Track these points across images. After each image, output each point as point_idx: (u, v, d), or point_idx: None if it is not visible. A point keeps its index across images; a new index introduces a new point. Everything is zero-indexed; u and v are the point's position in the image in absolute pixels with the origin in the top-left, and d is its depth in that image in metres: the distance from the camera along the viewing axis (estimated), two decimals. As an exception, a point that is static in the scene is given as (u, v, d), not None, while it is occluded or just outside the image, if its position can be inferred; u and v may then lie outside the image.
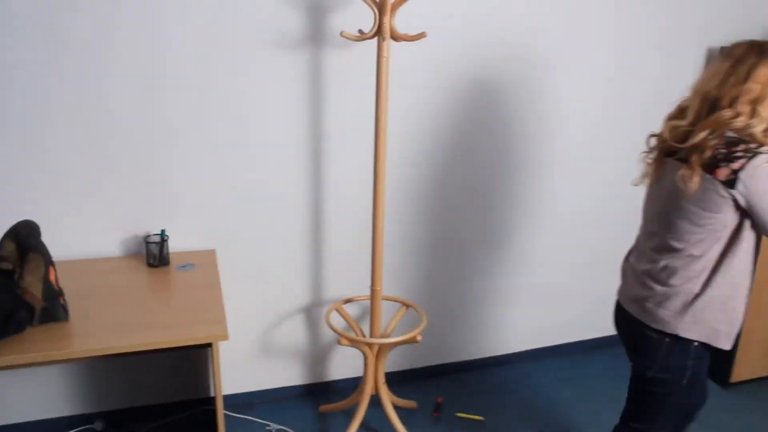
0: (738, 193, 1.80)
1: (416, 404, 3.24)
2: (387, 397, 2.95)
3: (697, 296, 1.96)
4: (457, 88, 2.99)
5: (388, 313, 3.16)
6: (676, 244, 1.96)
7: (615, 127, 3.41)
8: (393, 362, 3.35)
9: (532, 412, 3.24)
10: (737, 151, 1.80)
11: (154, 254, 2.62)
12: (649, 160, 2.10)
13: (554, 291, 3.63)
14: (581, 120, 3.32)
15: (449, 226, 3.24)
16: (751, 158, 1.78)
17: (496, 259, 3.41)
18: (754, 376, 3.54)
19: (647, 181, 2.12)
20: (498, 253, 3.40)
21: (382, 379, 2.95)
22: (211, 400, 3.12)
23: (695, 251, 1.93)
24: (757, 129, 1.81)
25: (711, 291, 1.95)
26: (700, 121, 1.88)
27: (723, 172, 1.81)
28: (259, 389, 3.23)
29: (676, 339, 2.00)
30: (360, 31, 2.49)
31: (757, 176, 1.78)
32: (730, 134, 1.83)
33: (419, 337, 2.77)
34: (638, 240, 2.22)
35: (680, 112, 1.97)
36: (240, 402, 3.18)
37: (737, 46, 1.91)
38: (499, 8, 2.93)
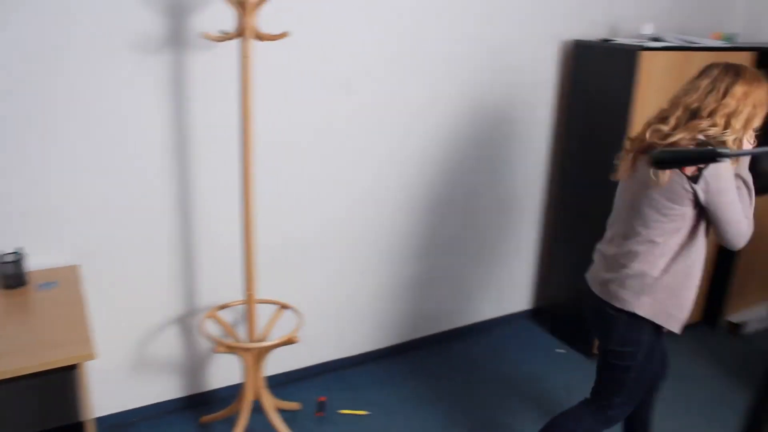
0: (699, 188, 2.05)
1: (299, 405, 3.23)
2: (269, 402, 2.92)
3: (655, 280, 2.21)
4: (326, 85, 3.00)
5: (267, 317, 3.13)
6: (641, 230, 2.21)
7: (474, 118, 3.53)
8: (275, 365, 3.32)
9: (418, 402, 3.32)
10: None
11: (10, 274, 2.45)
12: (625, 158, 2.33)
13: (431, 281, 3.72)
14: (442, 112, 3.41)
15: (322, 224, 3.25)
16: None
17: (370, 254, 3.46)
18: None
19: (623, 175, 2.37)
20: (373, 246, 3.45)
21: (262, 383, 2.91)
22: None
23: (658, 238, 2.19)
24: (729, 138, 2.09)
25: (668, 277, 2.21)
26: (679, 127, 2.14)
27: (690, 169, 2.05)
28: (137, 406, 3.10)
29: (634, 317, 2.24)
30: (222, 32, 2.43)
31: (718, 176, 2.04)
32: (701, 139, 2.09)
33: (297, 338, 2.76)
34: (608, 228, 2.46)
35: (662, 119, 2.22)
36: (117, 422, 3.04)
37: (714, 66, 2.22)
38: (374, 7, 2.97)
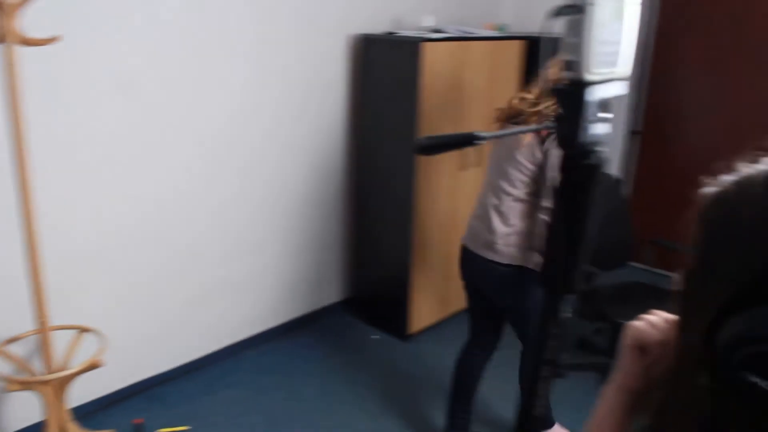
0: (544, 148, 2.36)
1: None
2: (77, 434, 2.71)
3: (531, 232, 2.50)
4: (108, 90, 2.82)
5: (66, 343, 2.88)
6: (510, 190, 2.46)
7: (270, 116, 3.51)
8: (80, 394, 3.07)
9: (242, 408, 3.24)
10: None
11: None
12: (493, 126, 2.52)
13: (242, 283, 3.65)
14: (236, 111, 3.35)
15: (117, 233, 3.06)
16: None
17: (175, 260, 3.31)
18: (426, 325, 3.97)
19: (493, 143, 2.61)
20: (178, 252, 3.31)
21: (67, 416, 2.69)
22: None
23: (524, 196, 2.47)
24: None
25: (537, 228, 2.49)
26: (542, 96, 2.39)
27: (545, 132, 2.34)
28: None
29: (520, 268, 2.52)
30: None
31: None
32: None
33: (101, 361, 2.58)
34: (481, 197, 2.66)
35: (528, 90, 2.48)
36: None
37: None
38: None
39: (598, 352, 3.75)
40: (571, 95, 0.72)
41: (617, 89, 0.78)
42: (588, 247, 0.82)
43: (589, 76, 0.73)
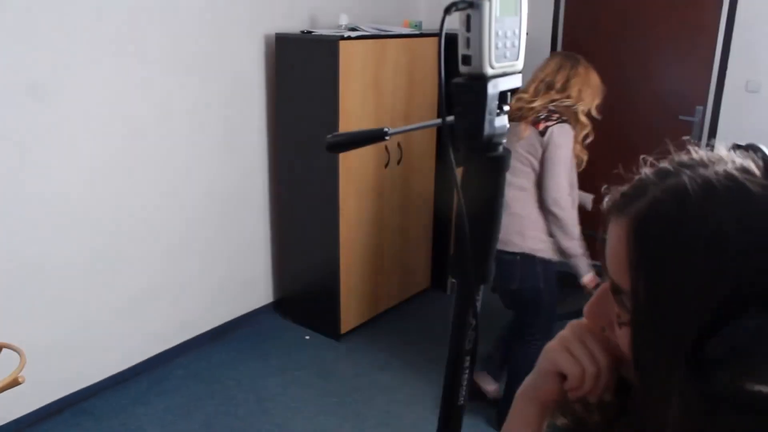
0: (545, 139, 2.60)
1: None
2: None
3: (531, 220, 2.69)
4: (10, 90, 2.71)
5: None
6: (512, 179, 2.60)
7: (188, 120, 3.45)
8: (4, 414, 2.94)
9: (176, 417, 3.17)
10: (554, 116, 2.65)
11: None
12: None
13: (165, 291, 3.57)
14: (140, 111, 3.27)
15: (29, 245, 2.94)
16: (561, 122, 2.64)
17: (92, 271, 3.20)
18: (357, 324, 3.98)
19: None
20: (94, 263, 3.20)
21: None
22: None
23: (526, 184, 2.68)
24: (580, 108, 2.67)
25: (537, 215, 2.70)
26: (538, 96, 2.67)
27: (542, 125, 2.62)
28: None
29: (525, 255, 2.68)
30: None
31: (560, 132, 2.61)
32: (552, 108, 2.66)
33: (22, 378, 2.47)
34: None
35: (523, 90, 2.68)
36: None
37: (556, 53, 3.14)
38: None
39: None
40: (471, 89, 0.74)
41: (515, 82, 0.80)
42: (497, 237, 0.84)
43: (489, 70, 0.75)
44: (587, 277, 2.72)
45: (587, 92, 2.69)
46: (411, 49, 3.84)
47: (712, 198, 0.60)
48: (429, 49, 3.96)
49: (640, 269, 0.63)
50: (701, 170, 0.63)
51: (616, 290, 0.69)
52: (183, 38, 3.31)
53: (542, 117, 2.66)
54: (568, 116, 2.67)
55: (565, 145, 2.61)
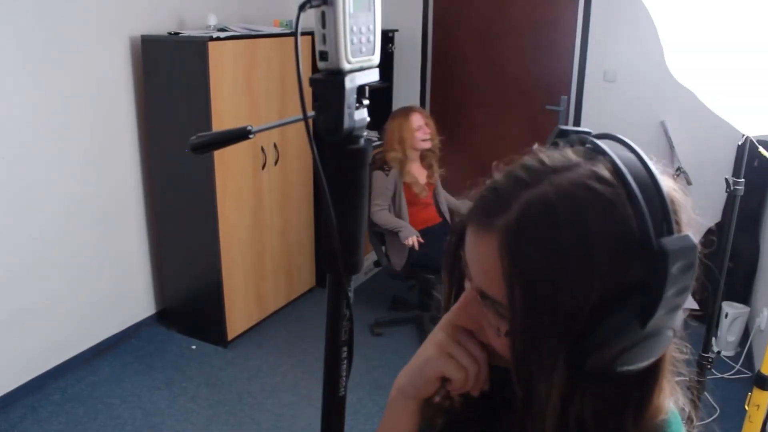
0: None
1: None
2: None
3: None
4: None
5: None
6: None
7: (40, 128, 3.27)
8: None
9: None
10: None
11: None
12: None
13: (38, 310, 3.36)
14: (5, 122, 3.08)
15: None
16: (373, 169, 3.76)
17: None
18: (246, 328, 3.93)
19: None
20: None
21: None
22: None
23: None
24: (392, 155, 3.78)
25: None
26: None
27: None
28: None
29: None
30: None
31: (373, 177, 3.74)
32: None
33: None
34: None
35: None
36: None
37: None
38: None
39: (413, 307, 4.19)
40: (330, 85, 0.75)
41: (372, 76, 0.82)
42: (363, 228, 0.86)
43: (346, 65, 0.77)
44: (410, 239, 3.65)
45: (395, 139, 3.77)
46: (282, 49, 3.82)
47: (577, 211, 0.63)
48: (302, 48, 3.94)
49: (515, 281, 0.65)
50: (556, 178, 0.65)
51: (485, 297, 0.71)
52: (39, 42, 3.12)
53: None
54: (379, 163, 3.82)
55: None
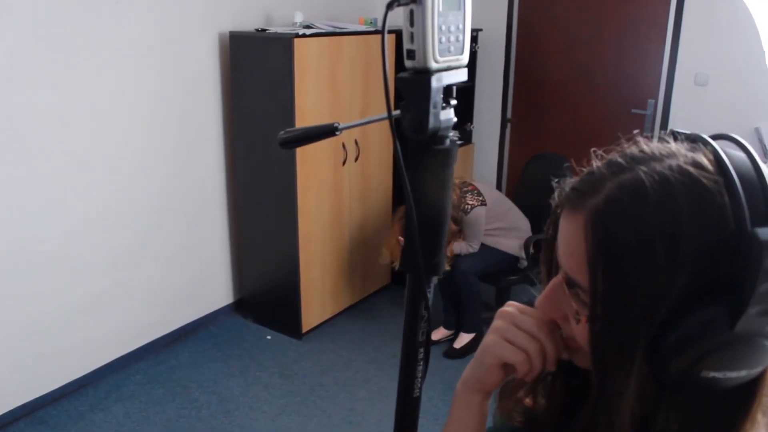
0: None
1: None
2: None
3: None
4: None
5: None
6: None
7: (130, 118, 3.39)
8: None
9: (137, 422, 3.12)
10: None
11: None
12: None
13: (123, 294, 3.51)
14: (92, 114, 3.22)
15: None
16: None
17: (45, 275, 3.14)
18: (318, 323, 3.98)
19: None
20: (49, 266, 3.14)
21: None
22: None
23: None
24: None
25: None
26: None
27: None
28: None
29: None
30: None
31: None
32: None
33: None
34: None
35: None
36: None
37: None
38: None
39: (490, 308, 4.15)
40: (415, 83, 0.75)
41: (461, 76, 0.81)
42: (446, 230, 0.85)
43: (433, 64, 0.76)
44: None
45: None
46: (366, 46, 3.84)
47: (669, 194, 0.60)
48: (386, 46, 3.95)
49: (599, 264, 0.63)
50: (655, 165, 0.63)
51: (571, 284, 0.69)
52: (135, 37, 3.25)
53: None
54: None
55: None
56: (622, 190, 0.63)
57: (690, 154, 0.64)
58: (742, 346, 0.59)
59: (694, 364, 0.60)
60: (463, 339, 3.75)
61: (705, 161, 0.62)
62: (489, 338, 0.80)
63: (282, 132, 0.94)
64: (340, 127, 0.89)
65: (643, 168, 0.63)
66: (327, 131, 0.91)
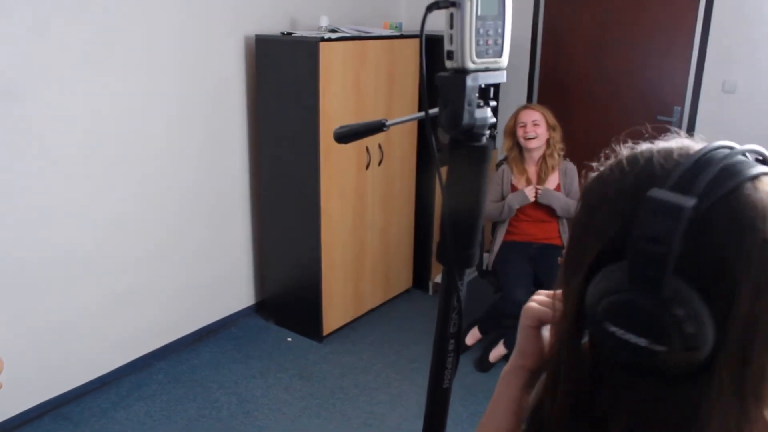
0: None
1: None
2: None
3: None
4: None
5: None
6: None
7: (157, 118, 3.44)
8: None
9: (157, 421, 3.16)
10: None
11: None
12: None
13: (146, 293, 3.55)
14: (119, 114, 3.26)
15: (1, 247, 2.92)
16: None
17: (72, 271, 3.18)
18: (339, 326, 3.99)
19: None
20: (75, 263, 3.18)
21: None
22: None
23: None
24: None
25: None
26: None
27: None
28: None
29: None
30: None
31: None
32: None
33: None
34: None
35: None
36: None
37: None
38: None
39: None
40: (452, 81, 0.77)
41: (499, 78, 0.83)
42: (481, 224, 0.87)
43: (470, 65, 0.78)
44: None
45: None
46: (391, 51, 3.87)
47: (631, 164, 0.70)
48: (409, 51, 3.98)
49: (581, 199, 0.74)
50: (650, 147, 0.72)
51: None
52: (162, 40, 3.30)
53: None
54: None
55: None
56: (614, 163, 0.72)
57: (687, 142, 0.71)
58: (638, 308, 0.62)
59: (597, 306, 0.65)
60: (500, 351, 3.58)
61: (689, 143, 0.69)
62: (528, 305, 0.87)
63: (337, 128, 1.00)
64: (387, 123, 0.94)
65: (639, 148, 0.73)
66: (376, 127, 0.97)
